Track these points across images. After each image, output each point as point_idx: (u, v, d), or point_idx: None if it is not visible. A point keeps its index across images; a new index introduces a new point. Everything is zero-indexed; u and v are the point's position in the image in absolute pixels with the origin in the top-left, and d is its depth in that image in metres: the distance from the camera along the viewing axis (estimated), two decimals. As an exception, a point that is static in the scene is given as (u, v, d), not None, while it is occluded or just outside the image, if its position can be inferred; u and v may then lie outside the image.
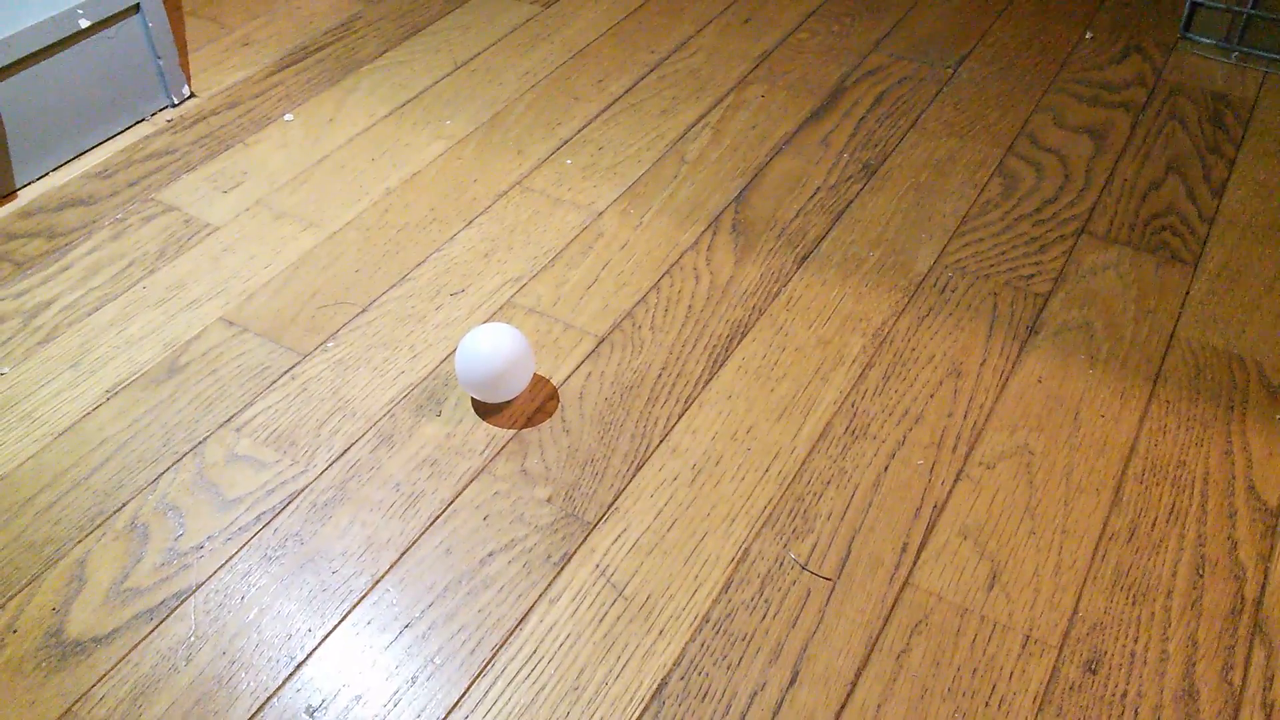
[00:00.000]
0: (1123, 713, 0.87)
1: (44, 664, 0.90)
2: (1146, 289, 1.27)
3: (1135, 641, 0.92)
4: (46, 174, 1.44)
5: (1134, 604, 0.95)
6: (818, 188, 1.43)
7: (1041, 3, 1.82)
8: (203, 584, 0.96)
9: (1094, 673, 0.90)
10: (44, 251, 1.32)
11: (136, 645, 0.91)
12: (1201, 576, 0.97)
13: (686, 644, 0.92)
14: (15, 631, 0.92)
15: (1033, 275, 1.29)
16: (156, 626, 0.92)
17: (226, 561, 0.98)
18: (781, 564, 0.98)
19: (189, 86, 1.59)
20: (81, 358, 1.17)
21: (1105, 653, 0.91)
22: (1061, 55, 1.69)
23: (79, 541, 0.99)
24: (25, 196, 1.40)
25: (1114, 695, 0.88)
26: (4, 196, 1.40)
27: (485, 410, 1.12)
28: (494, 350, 1.09)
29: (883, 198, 1.41)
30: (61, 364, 1.17)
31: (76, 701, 0.87)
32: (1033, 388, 1.15)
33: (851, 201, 1.41)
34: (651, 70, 1.65)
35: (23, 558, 0.98)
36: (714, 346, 1.20)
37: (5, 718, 0.86)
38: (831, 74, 1.65)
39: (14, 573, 0.96)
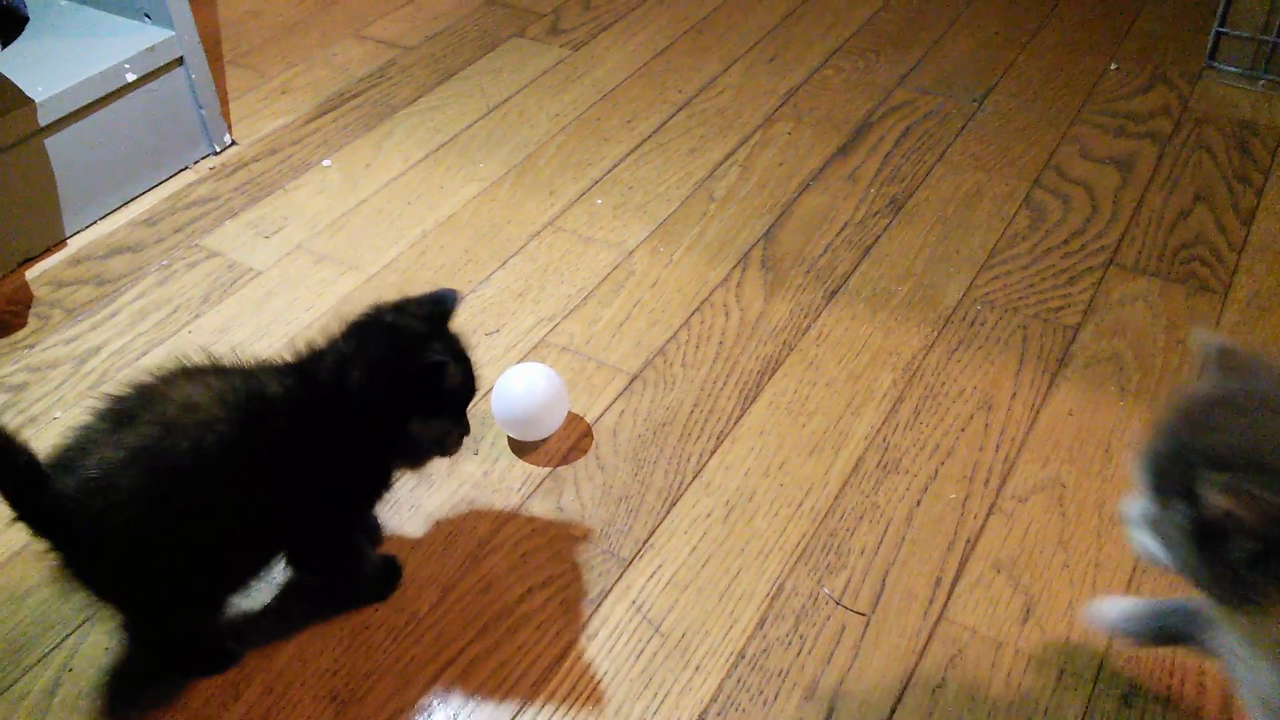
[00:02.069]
0: (1160, 747, 0.87)
1: (99, 702, 0.92)
2: (1176, 319, 1.28)
3: (1171, 675, 0.92)
4: (95, 222, 1.49)
5: (1169, 637, 0.95)
6: (845, 223, 1.45)
7: (1066, 35, 1.83)
8: (249, 620, 0.98)
9: (1130, 706, 0.90)
10: (93, 298, 1.36)
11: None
12: (1237, 608, 0.97)
13: (723, 680, 0.93)
14: (70, 670, 0.95)
15: (1062, 307, 1.30)
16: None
17: (271, 598, 1.00)
18: (816, 599, 0.99)
19: (230, 134, 1.64)
20: (131, 401, 1.21)
21: (1141, 685, 0.91)
22: (1087, 87, 1.70)
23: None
24: (75, 245, 1.45)
25: (1151, 729, 0.88)
26: (54, 245, 1.45)
27: (521, 448, 1.15)
28: (529, 390, 1.11)
29: (910, 232, 1.43)
30: (112, 408, 1.20)
31: (130, 739, 0.90)
32: (1063, 420, 1.16)
33: (879, 236, 1.42)
34: (679, 110, 1.68)
35: (77, 597, 1.00)
36: (745, 383, 1.22)
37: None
38: (857, 110, 1.67)
39: (69, 612, 0.99)
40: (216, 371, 0.87)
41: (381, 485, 0.94)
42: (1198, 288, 1.32)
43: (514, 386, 1.11)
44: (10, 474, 0.76)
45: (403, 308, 0.91)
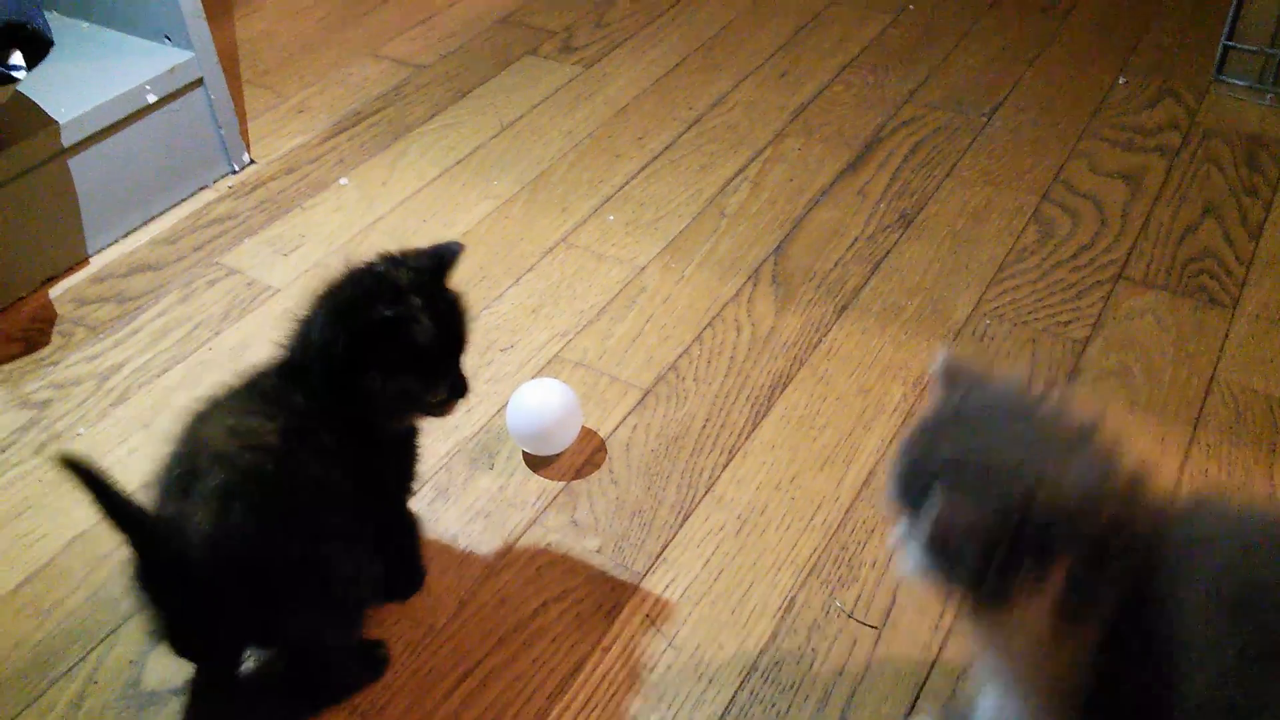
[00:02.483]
0: (1169, 758, 0.88)
1: (123, 714, 0.94)
2: (1185, 332, 1.29)
3: (1180, 687, 0.93)
4: (117, 241, 1.51)
5: (1178, 649, 0.96)
6: (855, 238, 1.46)
7: (1074, 50, 1.85)
8: (271, 635, 1.00)
9: None
10: (115, 316, 1.38)
11: (210, 695, 0.95)
12: (1246, 621, 0.98)
13: (735, 693, 0.94)
14: (95, 683, 0.97)
15: (1070, 321, 1.31)
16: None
17: (293, 613, 1.02)
18: (828, 612, 1.01)
19: (249, 154, 1.66)
20: (153, 418, 1.23)
21: (1150, 698, 0.92)
22: (1095, 101, 1.71)
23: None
24: (97, 263, 1.48)
25: (1160, 741, 0.89)
26: (77, 264, 1.47)
27: (536, 463, 1.16)
28: (543, 405, 1.13)
29: (920, 246, 1.44)
30: (134, 425, 1.23)
31: (154, 750, 0.92)
32: (1073, 433, 1.17)
33: (889, 251, 1.44)
34: (690, 126, 1.70)
35: (102, 612, 1.03)
36: (756, 397, 1.23)
37: (88, 766, 0.91)
38: (867, 125, 1.69)
39: (94, 626, 1.01)
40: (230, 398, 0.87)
41: (390, 452, 0.91)
42: (1206, 301, 1.33)
43: (528, 402, 1.13)
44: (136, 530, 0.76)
45: (401, 259, 0.88)
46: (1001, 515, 0.64)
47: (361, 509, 0.87)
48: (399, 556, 1.00)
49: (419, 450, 0.95)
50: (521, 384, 1.16)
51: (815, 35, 1.92)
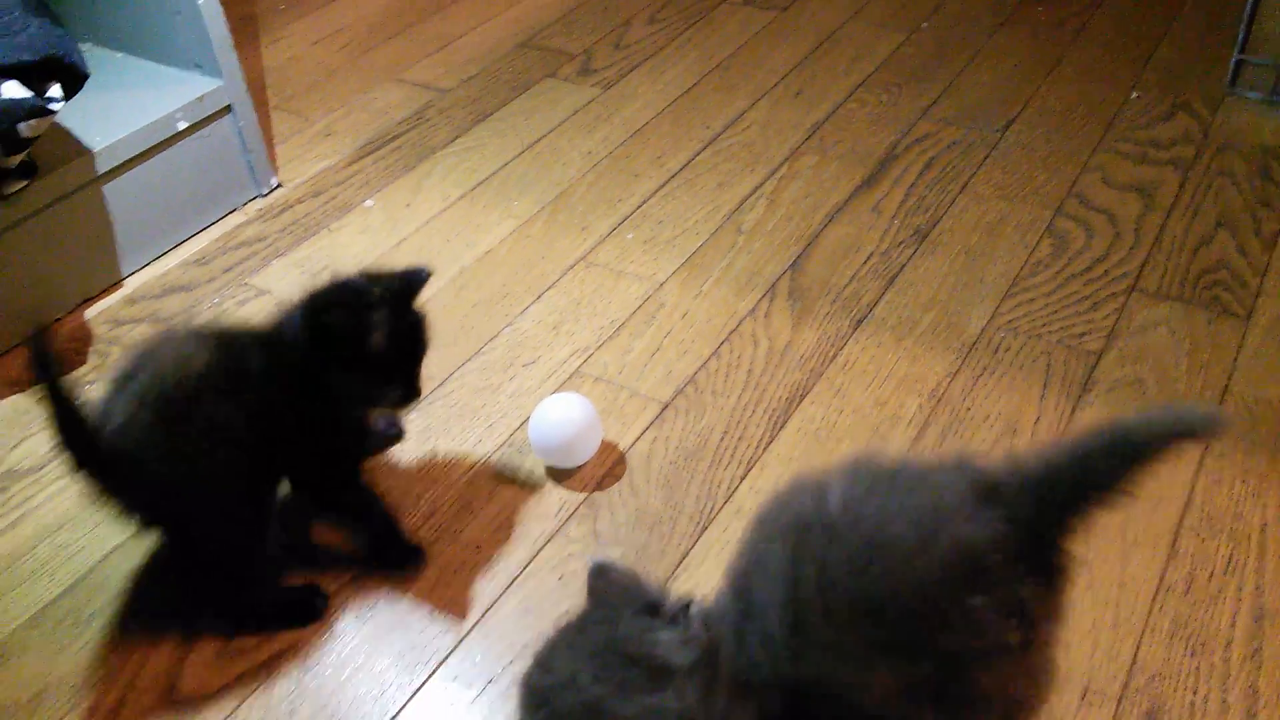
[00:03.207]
0: (1184, 762, 0.89)
1: (159, 720, 0.97)
2: (1199, 344, 1.30)
3: (1194, 692, 0.94)
4: (150, 263, 1.56)
5: (1193, 655, 0.97)
6: (870, 253, 1.48)
7: (1087, 65, 1.87)
8: (302, 643, 1.03)
9: (1154, 722, 0.92)
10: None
11: (245, 701, 0.98)
12: (1261, 627, 0.99)
13: (755, 697, 0.96)
14: (134, 689, 1.00)
15: (1085, 333, 1.33)
16: (261, 684, 1.00)
17: (322, 622, 1.05)
18: (844, 619, 1.02)
19: (276, 177, 1.71)
20: (186, 434, 1.26)
21: (1165, 703, 0.93)
22: (1109, 115, 1.73)
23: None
24: (131, 285, 1.52)
25: (1174, 744, 0.90)
26: (112, 285, 1.52)
27: (558, 475, 1.19)
28: (564, 419, 1.15)
29: (935, 261, 1.46)
30: (167, 440, 1.26)
31: (190, 755, 0.95)
32: (1087, 443, 1.18)
33: (904, 266, 1.46)
34: (707, 145, 1.73)
35: (139, 621, 1.06)
36: (774, 410, 1.25)
37: (126, 770, 0.94)
38: (881, 142, 1.71)
39: (132, 635, 1.04)
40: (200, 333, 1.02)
41: (338, 433, 1.05)
42: (1220, 312, 1.34)
43: (550, 416, 1.16)
44: (74, 433, 0.91)
45: (377, 277, 1.02)
46: None
47: (264, 475, 1.02)
48: (377, 529, 1.11)
49: (361, 440, 1.13)
50: (543, 399, 1.19)
51: (830, 55, 1.95)
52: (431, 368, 1.32)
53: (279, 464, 1.03)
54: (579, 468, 1.19)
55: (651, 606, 0.72)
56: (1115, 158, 1.64)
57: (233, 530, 1.00)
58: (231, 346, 1.00)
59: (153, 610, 1.07)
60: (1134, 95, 1.78)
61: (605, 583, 0.75)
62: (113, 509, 0.97)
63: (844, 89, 1.85)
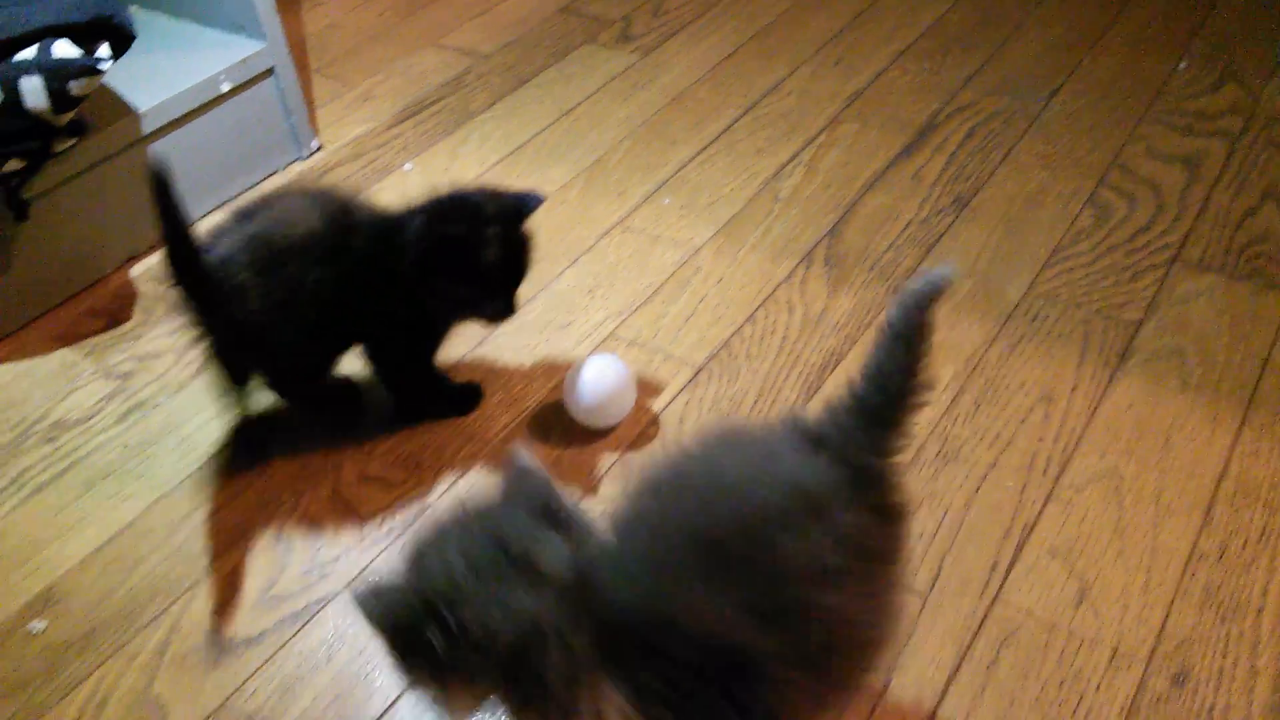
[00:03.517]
0: (1212, 726, 0.89)
1: (204, 661, 1.00)
2: (1240, 315, 1.29)
3: (1224, 657, 0.94)
4: (193, 222, 1.58)
5: (1223, 621, 0.97)
6: (909, 221, 1.48)
7: (1135, 35, 1.84)
8: (340, 592, 1.05)
9: (1181, 686, 0.92)
10: (193, 293, 1.45)
11: (284, 645, 1.01)
12: (1295, 596, 0.98)
13: (783, 654, 0.97)
14: (178, 631, 1.03)
15: (1124, 303, 1.32)
16: (301, 628, 1.02)
17: (362, 571, 1.07)
18: (874, 580, 1.03)
19: (317, 140, 1.72)
20: (228, 389, 1.29)
21: (1193, 667, 0.93)
22: (1155, 86, 1.71)
23: (230, 553, 1.10)
24: (175, 244, 1.54)
25: (1201, 708, 0.90)
26: (156, 244, 1.54)
27: (592, 436, 1.20)
28: (599, 379, 1.17)
29: (974, 230, 1.45)
30: (211, 395, 1.29)
31: (232, 694, 0.97)
32: (1123, 413, 1.18)
33: (943, 234, 1.45)
34: (746, 112, 1.72)
35: (184, 566, 1.09)
36: (808, 375, 1.26)
37: (173, 707, 0.97)
38: (923, 111, 1.70)
39: (176, 580, 1.07)
40: (326, 195, 1.12)
41: (430, 326, 1.15)
42: (1263, 285, 1.32)
43: (585, 376, 1.17)
44: (179, 251, 1.04)
45: (493, 194, 1.10)
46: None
47: (335, 341, 1.15)
48: (447, 389, 1.25)
49: (439, 341, 1.20)
50: (577, 360, 1.20)
51: (871, 22, 1.93)
52: (472, 330, 1.34)
53: (353, 337, 1.15)
54: (613, 428, 1.20)
55: (551, 512, 0.76)
56: (1161, 128, 1.61)
57: (302, 369, 1.15)
58: (344, 221, 1.09)
59: (195, 556, 1.10)
60: (1182, 65, 1.75)
61: (519, 478, 0.78)
62: (199, 331, 1.09)
63: (885, 57, 1.84)
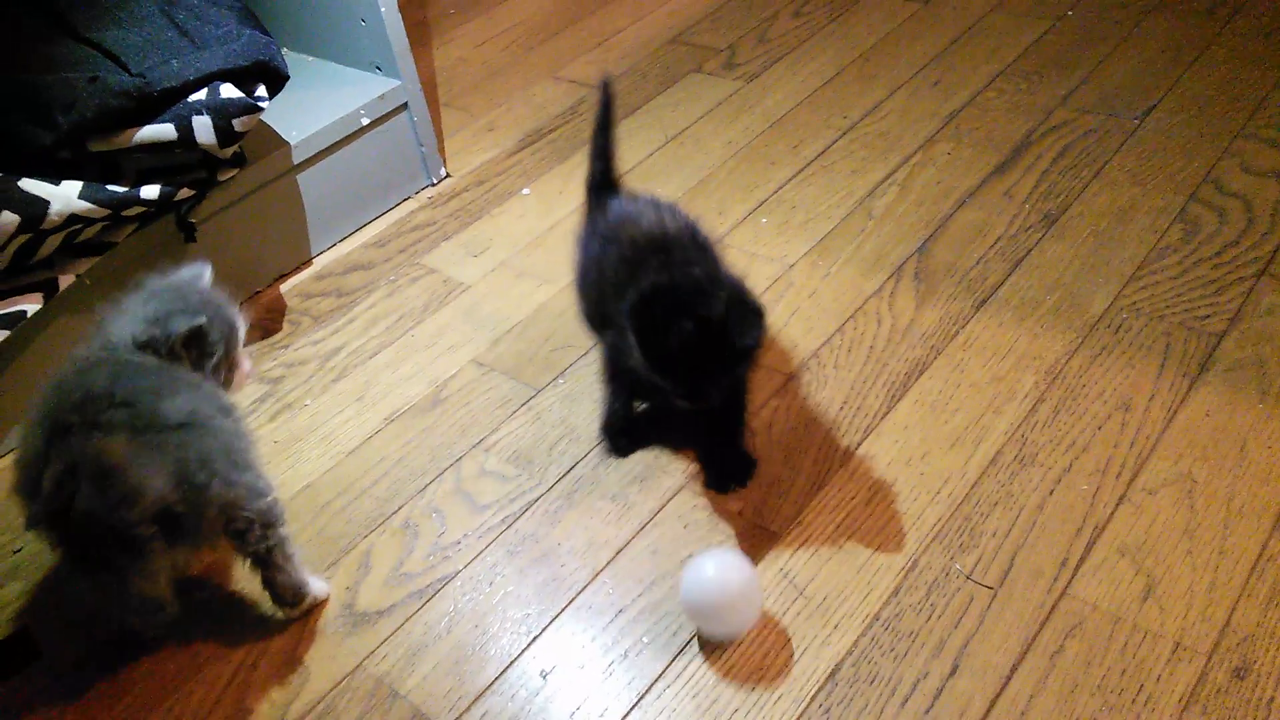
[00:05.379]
0: (1269, 717, 0.93)
1: (340, 629, 1.14)
2: (1328, 327, 1.30)
3: (1285, 652, 0.98)
4: (335, 244, 1.75)
5: (1287, 619, 1.00)
6: (999, 237, 1.54)
7: (1235, 52, 1.85)
8: (460, 572, 1.18)
9: (1242, 679, 0.96)
10: (334, 307, 1.61)
11: (410, 617, 1.14)
12: (1364, 599, 1.01)
13: (858, 637, 1.05)
14: (319, 604, 1.17)
15: (1208, 315, 1.35)
16: (425, 604, 1.15)
17: (478, 555, 1.20)
18: (947, 573, 1.10)
19: (445, 168, 1.88)
20: (365, 392, 1.44)
21: (1255, 662, 0.97)
22: (1254, 102, 1.72)
23: (365, 536, 1.24)
24: (319, 263, 1.72)
25: (1261, 700, 0.95)
26: (303, 263, 1.72)
27: (682, 441, 1.30)
28: (720, 579, 1.04)
29: (1062, 245, 1.50)
30: (349, 397, 1.44)
31: (365, 658, 1.11)
32: (1200, 421, 1.21)
33: (1031, 249, 1.50)
34: (843, 134, 1.81)
35: (324, 548, 1.23)
36: (893, 383, 1.33)
37: (314, 668, 1.11)
38: (1017, 130, 1.75)
39: (318, 560, 1.22)
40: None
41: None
42: (1355, 297, 1.34)
43: (705, 572, 1.04)
44: (601, 172, 1.35)
45: (721, 282, 1.11)
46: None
47: None
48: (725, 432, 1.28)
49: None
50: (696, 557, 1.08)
51: (971, 44, 1.99)
52: (579, 338, 1.46)
53: None
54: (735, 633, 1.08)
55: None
56: (1257, 144, 1.63)
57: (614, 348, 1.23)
58: (665, 229, 1.19)
59: (335, 538, 1.24)
60: (1285, 80, 1.75)
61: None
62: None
63: (983, 78, 1.89)
